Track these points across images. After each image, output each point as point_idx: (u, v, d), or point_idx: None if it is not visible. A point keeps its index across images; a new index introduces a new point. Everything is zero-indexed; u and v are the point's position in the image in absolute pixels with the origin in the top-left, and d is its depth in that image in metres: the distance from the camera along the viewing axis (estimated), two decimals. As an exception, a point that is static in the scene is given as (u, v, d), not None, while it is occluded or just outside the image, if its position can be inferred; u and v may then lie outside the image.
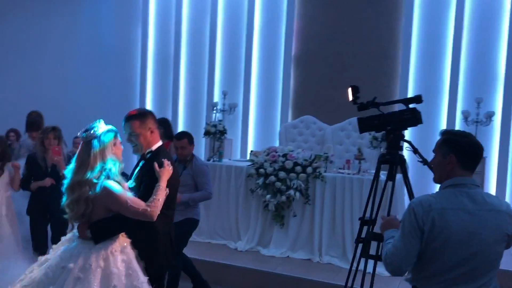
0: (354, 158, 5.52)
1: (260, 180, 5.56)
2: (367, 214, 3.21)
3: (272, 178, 5.48)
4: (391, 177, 3.05)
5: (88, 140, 2.58)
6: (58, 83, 8.47)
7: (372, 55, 7.16)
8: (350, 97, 3.33)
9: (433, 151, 2.24)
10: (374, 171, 5.08)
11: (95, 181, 2.50)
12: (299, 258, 5.32)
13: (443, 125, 6.71)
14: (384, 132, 3.21)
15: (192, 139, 4.44)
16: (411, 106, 3.05)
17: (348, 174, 5.41)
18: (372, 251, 3.24)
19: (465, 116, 6.33)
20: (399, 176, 3.30)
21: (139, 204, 2.55)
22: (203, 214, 5.98)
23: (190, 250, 5.49)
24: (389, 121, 2.98)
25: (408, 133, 6.82)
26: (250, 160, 5.86)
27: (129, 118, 2.85)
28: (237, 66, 7.93)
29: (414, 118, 2.91)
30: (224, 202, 5.89)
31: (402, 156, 3.09)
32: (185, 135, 4.44)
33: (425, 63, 6.94)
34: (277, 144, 7.08)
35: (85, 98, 8.01)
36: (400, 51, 7.05)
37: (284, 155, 5.58)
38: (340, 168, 5.71)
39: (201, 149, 7.75)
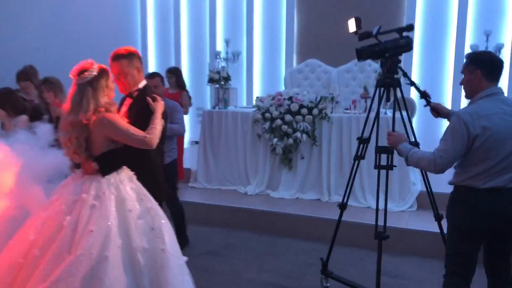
0: (360, 97, 5.45)
1: (267, 125, 5.55)
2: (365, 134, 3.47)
3: (278, 121, 5.46)
4: (388, 98, 3.30)
5: (81, 83, 2.56)
6: (58, 37, 8.37)
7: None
8: (353, 28, 3.39)
9: (462, 72, 2.65)
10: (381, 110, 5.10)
11: (86, 122, 2.53)
12: (308, 199, 5.38)
13: (451, 60, 6.59)
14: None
15: (163, 79, 4.48)
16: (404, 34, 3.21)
17: (355, 113, 5.36)
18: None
19: (474, 49, 6.18)
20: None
21: (139, 132, 2.61)
22: (212, 162, 6.04)
23: (201, 196, 5.61)
24: (387, 48, 3.17)
25: (418, 66, 6.75)
26: (256, 106, 5.81)
27: (117, 57, 2.85)
28: (238, 12, 7.76)
29: (408, 44, 3.16)
30: (232, 148, 5.90)
31: (399, 79, 3.28)
32: (156, 74, 4.44)
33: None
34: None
35: (87, 50, 7.92)
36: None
37: (290, 98, 5.53)
38: (346, 109, 5.66)
39: (205, 98, 7.72)
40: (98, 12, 8.26)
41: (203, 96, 7.73)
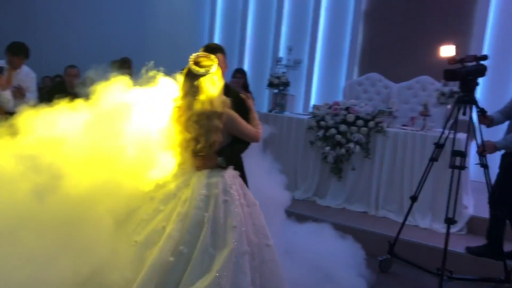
0: (419, 114, 5.37)
1: (321, 132, 5.58)
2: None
3: (333, 130, 5.48)
4: (464, 112, 3.82)
5: (209, 75, 2.56)
6: (135, 37, 8.79)
7: (446, 11, 6.83)
8: (452, 53, 3.92)
9: None
10: (440, 130, 5.07)
11: (222, 113, 2.59)
12: (355, 210, 5.35)
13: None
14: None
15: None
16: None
17: (412, 130, 5.29)
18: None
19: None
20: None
21: (251, 127, 2.72)
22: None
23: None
24: (471, 71, 3.72)
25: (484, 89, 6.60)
26: (312, 113, 5.86)
27: (216, 50, 2.84)
28: (304, 21, 7.84)
29: (484, 71, 3.75)
30: (284, 152, 5.96)
31: (475, 98, 3.78)
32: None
33: (504, 20, 6.53)
34: (340, 101, 7.01)
35: (156, 49, 8.27)
36: (477, 6, 6.67)
37: (347, 108, 5.54)
38: (403, 125, 5.59)
39: (264, 101, 7.82)
40: (171, 11, 8.62)
41: (261, 99, 7.84)
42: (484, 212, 4.38)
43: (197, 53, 2.61)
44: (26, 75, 4.95)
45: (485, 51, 6.55)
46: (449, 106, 5.14)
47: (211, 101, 2.53)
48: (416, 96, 6.51)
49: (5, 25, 9.85)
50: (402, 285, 4.01)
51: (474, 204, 5.06)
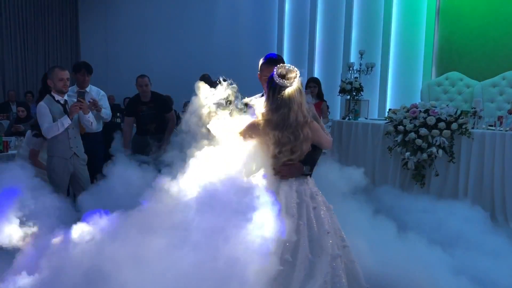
0: (507, 113, 4.97)
1: (399, 137, 5.32)
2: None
3: (412, 135, 5.20)
4: None
5: (299, 86, 2.61)
6: (201, 49, 9.02)
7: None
8: None
9: None
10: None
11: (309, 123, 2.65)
12: (441, 218, 5.02)
13: None
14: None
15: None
16: None
17: (500, 130, 4.89)
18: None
19: None
20: None
21: (326, 135, 2.77)
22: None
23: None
24: None
25: None
26: (388, 118, 5.61)
27: (280, 61, 2.91)
28: (375, 23, 7.58)
29: None
30: (361, 160, 5.74)
31: None
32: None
33: None
34: (418, 103, 6.66)
35: (225, 61, 8.38)
36: None
37: (426, 111, 5.24)
38: (490, 125, 5.19)
39: (336, 108, 7.64)
40: (240, 18, 8.74)
41: (333, 107, 7.66)
42: None
43: (280, 65, 2.62)
44: (97, 94, 5.14)
45: None
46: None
47: (302, 111, 2.58)
48: (503, 94, 6.04)
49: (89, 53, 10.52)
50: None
51: None
